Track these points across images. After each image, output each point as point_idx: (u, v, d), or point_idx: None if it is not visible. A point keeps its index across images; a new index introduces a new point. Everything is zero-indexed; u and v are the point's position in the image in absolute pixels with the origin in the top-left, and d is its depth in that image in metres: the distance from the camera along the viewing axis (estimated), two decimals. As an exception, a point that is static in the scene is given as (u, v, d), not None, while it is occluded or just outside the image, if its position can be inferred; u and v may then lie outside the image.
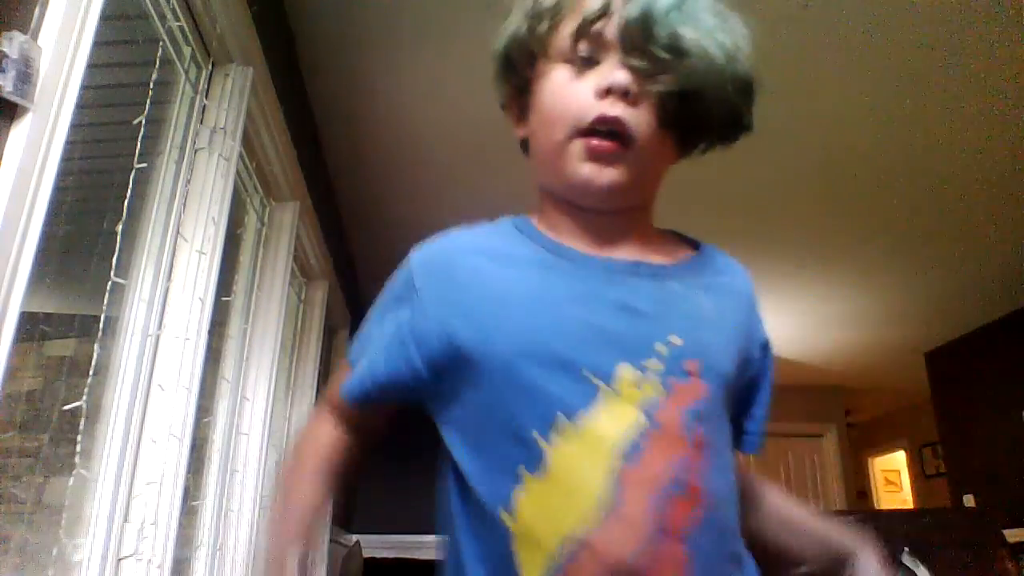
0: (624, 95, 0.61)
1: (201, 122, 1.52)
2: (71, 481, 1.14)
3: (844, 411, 6.12)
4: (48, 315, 1.32)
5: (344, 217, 3.14)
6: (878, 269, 3.71)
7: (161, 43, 1.37)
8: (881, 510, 6.25)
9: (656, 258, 0.67)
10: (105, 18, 0.96)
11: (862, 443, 7.07)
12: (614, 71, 0.62)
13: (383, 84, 2.25)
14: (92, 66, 0.92)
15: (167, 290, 1.38)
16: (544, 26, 0.65)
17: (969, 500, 4.37)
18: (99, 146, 1.42)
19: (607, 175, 0.63)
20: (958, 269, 3.67)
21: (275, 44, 1.84)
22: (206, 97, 1.55)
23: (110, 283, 1.18)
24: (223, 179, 1.51)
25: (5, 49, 0.78)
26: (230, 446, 1.83)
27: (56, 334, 1.44)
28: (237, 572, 1.85)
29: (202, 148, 1.50)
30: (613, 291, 0.62)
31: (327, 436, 0.74)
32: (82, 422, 1.14)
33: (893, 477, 7.13)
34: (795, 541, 0.72)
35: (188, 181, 1.46)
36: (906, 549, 2.09)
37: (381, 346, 0.68)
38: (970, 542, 2.20)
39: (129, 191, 1.24)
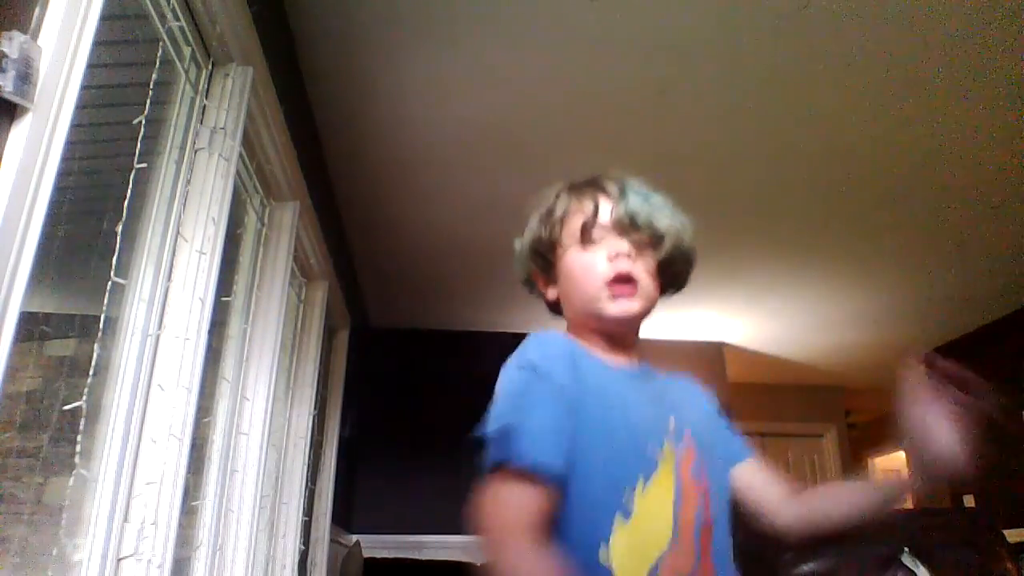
0: (628, 256, 0.94)
1: (201, 122, 1.52)
2: (71, 481, 1.14)
3: (844, 411, 6.12)
4: (48, 315, 1.32)
5: (344, 217, 3.14)
6: (878, 269, 3.71)
7: (161, 43, 1.37)
8: (881, 510, 6.23)
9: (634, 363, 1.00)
10: (105, 18, 0.96)
11: (862, 443, 7.06)
12: (617, 243, 0.95)
13: (383, 84, 2.25)
14: (92, 66, 0.92)
15: (167, 290, 1.38)
16: (559, 228, 0.99)
17: (969, 500, 4.37)
18: (99, 146, 1.42)
19: (629, 308, 0.94)
20: (958, 269, 3.67)
21: (275, 44, 1.84)
22: (206, 97, 1.55)
23: (110, 283, 1.18)
24: (223, 179, 1.51)
25: (5, 49, 0.78)
26: (230, 446, 1.83)
27: (56, 334, 1.43)
28: (237, 572, 1.85)
29: (202, 148, 1.50)
30: (642, 392, 0.94)
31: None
32: (82, 422, 1.14)
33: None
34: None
35: (188, 181, 1.46)
36: (906, 549, 2.09)
37: (549, 426, 0.82)
38: (970, 542, 2.20)
39: (129, 191, 1.24)
